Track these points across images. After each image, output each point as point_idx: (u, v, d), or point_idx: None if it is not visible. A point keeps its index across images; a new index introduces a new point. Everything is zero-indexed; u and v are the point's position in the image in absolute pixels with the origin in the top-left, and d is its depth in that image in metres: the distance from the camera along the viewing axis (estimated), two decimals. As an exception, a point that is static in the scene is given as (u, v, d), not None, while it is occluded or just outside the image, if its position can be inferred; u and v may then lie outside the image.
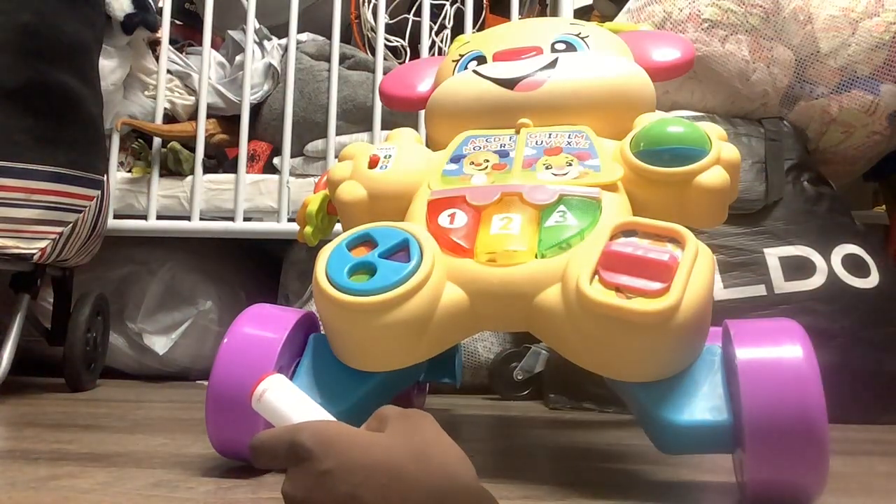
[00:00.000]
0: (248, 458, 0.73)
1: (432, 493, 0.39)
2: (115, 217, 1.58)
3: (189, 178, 1.62)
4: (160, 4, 1.70)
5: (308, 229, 0.95)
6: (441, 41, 1.79)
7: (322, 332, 0.80)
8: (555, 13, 1.81)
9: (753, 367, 0.65)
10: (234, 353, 0.73)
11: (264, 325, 0.76)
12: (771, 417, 0.62)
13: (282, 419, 0.47)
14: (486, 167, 0.83)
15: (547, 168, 0.81)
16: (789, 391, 0.63)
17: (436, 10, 1.78)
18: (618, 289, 0.65)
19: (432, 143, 0.95)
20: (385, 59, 1.71)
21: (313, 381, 0.75)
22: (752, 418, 0.62)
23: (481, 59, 0.96)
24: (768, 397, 0.63)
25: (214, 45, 1.81)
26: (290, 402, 0.47)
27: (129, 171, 1.66)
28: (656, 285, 0.65)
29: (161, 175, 1.63)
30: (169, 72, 1.70)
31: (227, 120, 1.71)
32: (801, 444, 0.62)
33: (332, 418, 0.46)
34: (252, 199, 1.61)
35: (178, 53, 1.76)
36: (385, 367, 0.75)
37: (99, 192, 1.35)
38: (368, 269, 0.71)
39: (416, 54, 1.77)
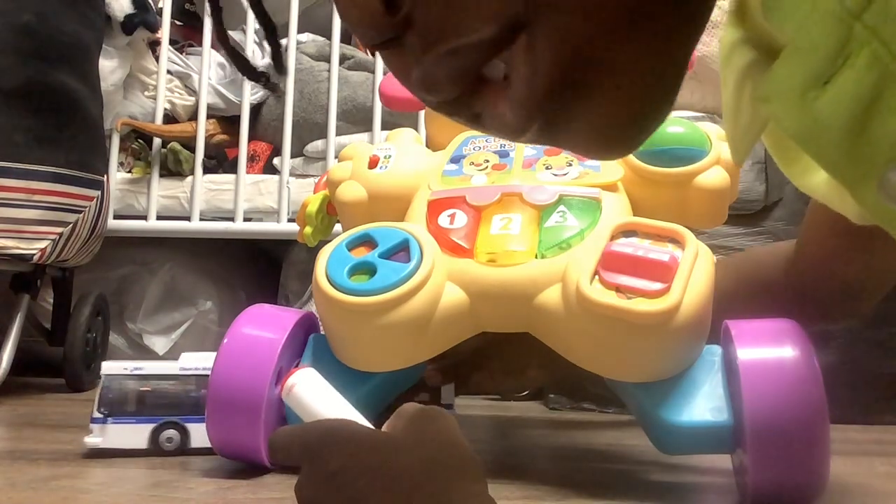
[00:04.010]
0: (247, 459, 0.73)
1: (434, 498, 0.38)
2: (115, 217, 1.58)
3: (189, 178, 1.62)
4: (160, 4, 1.70)
5: (308, 230, 0.95)
6: (441, 41, 1.79)
7: (322, 333, 0.80)
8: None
9: (755, 367, 0.64)
10: (234, 353, 0.73)
11: (264, 326, 0.76)
12: (772, 418, 0.62)
13: (309, 414, 0.48)
14: (486, 167, 0.83)
15: (547, 168, 0.81)
16: (790, 391, 0.63)
17: (436, 11, 1.78)
18: (618, 289, 0.65)
19: (432, 144, 0.94)
20: (385, 59, 1.71)
21: (313, 382, 0.75)
22: (753, 419, 0.62)
23: (481, 60, 0.96)
24: (770, 398, 0.63)
25: (214, 46, 1.81)
26: (318, 398, 0.49)
27: (129, 172, 1.66)
28: (656, 286, 0.65)
29: (161, 175, 1.63)
30: (169, 72, 1.70)
31: (227, 120, 1.71)
32: (801, 444, 0.62)
33: (358, 415, 0.47)
34: (252, 200, 1.61)
35: (178, 54, 1.76)
36: (385, 368, 0.75)
37: (99, 192, 1.35)
38: (368, 269, 0.71)
39: (416, 54, 1.77)
